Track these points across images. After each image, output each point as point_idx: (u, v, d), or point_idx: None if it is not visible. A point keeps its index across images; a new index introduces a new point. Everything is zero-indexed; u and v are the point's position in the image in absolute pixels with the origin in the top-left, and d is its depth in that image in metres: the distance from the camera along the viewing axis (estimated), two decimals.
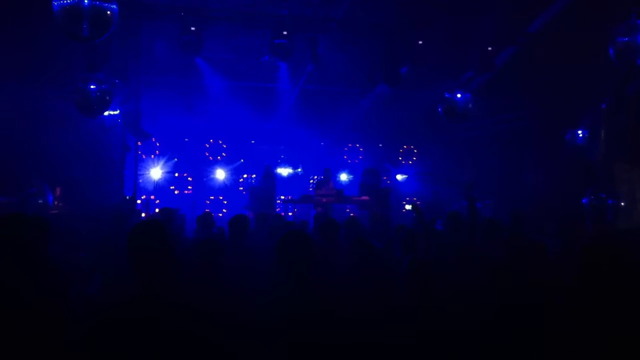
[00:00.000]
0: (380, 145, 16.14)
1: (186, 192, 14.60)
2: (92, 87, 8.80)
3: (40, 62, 9.05)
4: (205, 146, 15.10)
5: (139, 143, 12.11)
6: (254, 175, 14.50)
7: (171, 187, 14.39)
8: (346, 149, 16.32)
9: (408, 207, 14.00)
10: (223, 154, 15.11)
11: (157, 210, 13.33)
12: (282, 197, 13.81)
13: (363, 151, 16.36)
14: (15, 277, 2.83)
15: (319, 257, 3.25)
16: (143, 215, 10.79)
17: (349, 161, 16.22)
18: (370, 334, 3.00)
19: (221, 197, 14.77)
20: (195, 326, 2.57)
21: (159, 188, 13.76)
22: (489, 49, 11.10)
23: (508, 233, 5.51)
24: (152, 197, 13.49)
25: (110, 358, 2.46)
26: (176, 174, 14.44)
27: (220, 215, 13.45)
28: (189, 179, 14.73)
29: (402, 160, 16.34)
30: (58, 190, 9.37)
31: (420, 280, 3.31)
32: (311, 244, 3.12)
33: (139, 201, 12.13)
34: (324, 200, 12.14)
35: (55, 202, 9.30)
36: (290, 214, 12.68)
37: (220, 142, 15.21)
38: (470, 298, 3.41)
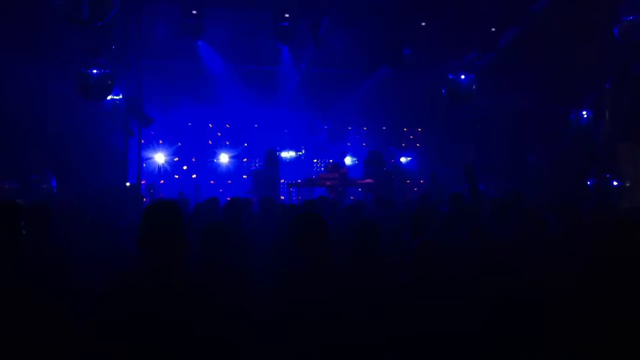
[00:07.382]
0: (384, 127, 16.08)
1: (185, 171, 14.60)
2: (94, 71, 8.78)
3: (43, 46, 9.00)
4: (209, 130, 15.05)
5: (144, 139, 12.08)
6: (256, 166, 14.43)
7: (182, 168, 14.41)
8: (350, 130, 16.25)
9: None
10: (226, 142, 15.06)
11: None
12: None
13: (366, 134, 16.30)
14: (9, 268, 2.77)
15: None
16: (145, 199, 10.76)
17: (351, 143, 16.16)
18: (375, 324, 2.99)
19: (229, 182, 14.73)
20: (203, 311, 2.57)
21: (163, 173, 13.76)
22: (493, 29, 11.01)
23: (507, 210, 5.49)
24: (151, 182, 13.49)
25: (115, 346, 2.46)
26: (176, 159, 14.44)
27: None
28: (192, 159, 14.69)
29: (405, 142, 16.26)
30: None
31: (427, 263, 3.23)
32: (326, 226, 3.12)
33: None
34: (328, 183, 12.10)
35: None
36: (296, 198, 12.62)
37: (227, 126, 15.15)
38: (472, 282, 3.38)
